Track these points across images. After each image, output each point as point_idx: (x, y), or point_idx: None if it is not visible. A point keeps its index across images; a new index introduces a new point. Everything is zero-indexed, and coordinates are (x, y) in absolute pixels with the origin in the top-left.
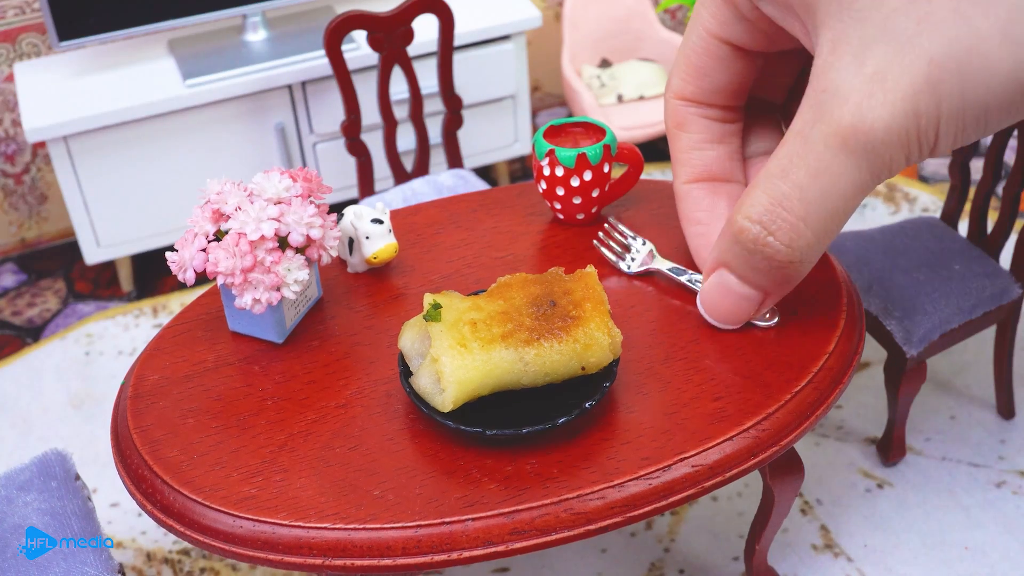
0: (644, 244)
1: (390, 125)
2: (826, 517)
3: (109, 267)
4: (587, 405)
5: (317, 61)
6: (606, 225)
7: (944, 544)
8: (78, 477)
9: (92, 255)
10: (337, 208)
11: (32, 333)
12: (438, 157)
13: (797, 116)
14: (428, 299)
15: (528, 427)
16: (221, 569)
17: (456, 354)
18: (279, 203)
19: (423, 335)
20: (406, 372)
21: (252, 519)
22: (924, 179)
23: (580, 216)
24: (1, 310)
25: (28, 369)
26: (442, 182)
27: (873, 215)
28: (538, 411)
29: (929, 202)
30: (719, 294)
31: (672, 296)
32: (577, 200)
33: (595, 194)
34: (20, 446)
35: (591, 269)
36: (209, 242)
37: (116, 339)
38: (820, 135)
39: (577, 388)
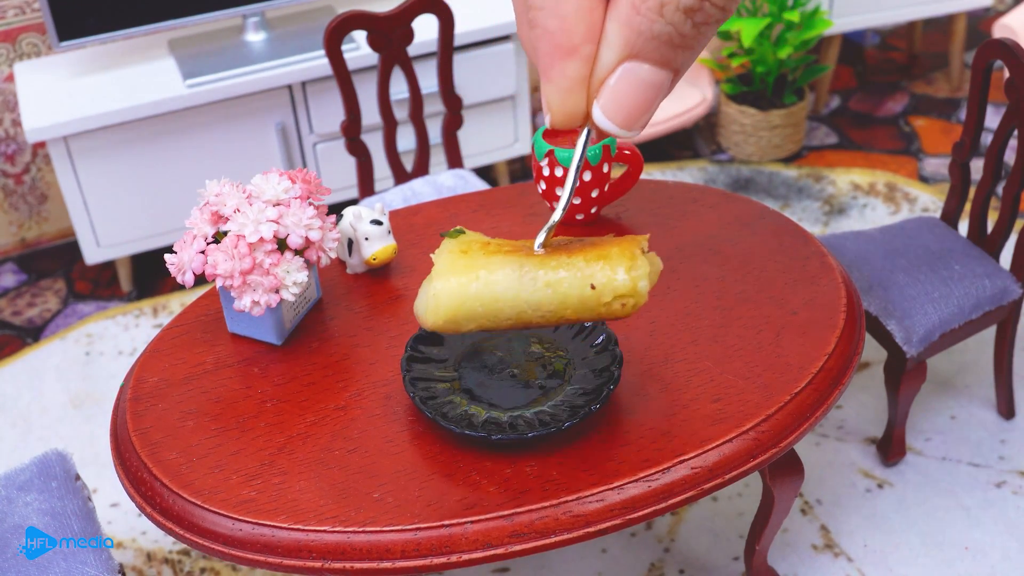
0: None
1: (390, 125)
2: (826, 517)
3: (109, 267)
4: (593, 408)
5: (317, 61)
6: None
7: (944, 544)
8: (78, 477)
9: (92, 255)
10: (337, 208)
11: (32, 333)
12: (438, 157)
13: None
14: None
15: (534, 432)
16: (221, 569)
17: (453, 257)
18: (278, 205)
19: None
20: (408, 369)
21: (251, 522)
22: (924, 179)
23: (580, 216)
24: (1, 310)
25: (28, 369)
26: (442, 182)
27: (873, 215)
28: (534, 408)
29: (929, 202)
30: (630, 89)
31: (671, 297)
32: (576, 200)
33: (595, 194)
34: (20, 446)
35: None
36: (208, 244)
37: (116, 339)
38: None
39: (581, 387)
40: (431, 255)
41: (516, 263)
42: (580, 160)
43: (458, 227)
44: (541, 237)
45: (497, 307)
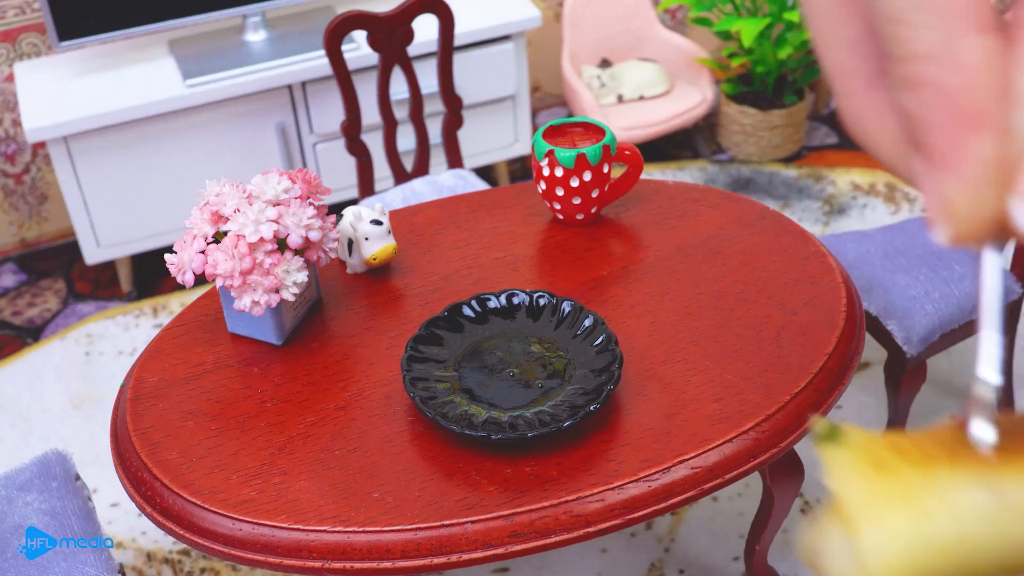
0: None
1: (390, 125)
2: None
3: (109, 267)
4: (593, 408)
5: (317, 61)
6: None
7: None
8: (78, 477)
9: (92, 255)
10: (337, 208)
11: (32, 333)
12: (438, 157)
13: None
14: (819, 423)
15: (534, 432)
16: (221, 569)
17: (870, 481)
18: (278, 205)
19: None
20: (408, 369)
21: (251, 522)
22: None
23: (580, 216)
24: (1, 310)
25: (28, 369)
26: (442, 182)
27: (873, 215)
28: (530, 404)
29: None
30: None
31: (670, 297)
32: (577, 200)
33: (595, 194)
34: (20, 446)
35: None
36: (208, 244)
37: (116, 339)
38: None
39: (581, 387)
40: (827, 481)
41: (974, 477)
42: (1001, 293)
43: (826, 421)
44: (989, 431)
45: (971, 559)
